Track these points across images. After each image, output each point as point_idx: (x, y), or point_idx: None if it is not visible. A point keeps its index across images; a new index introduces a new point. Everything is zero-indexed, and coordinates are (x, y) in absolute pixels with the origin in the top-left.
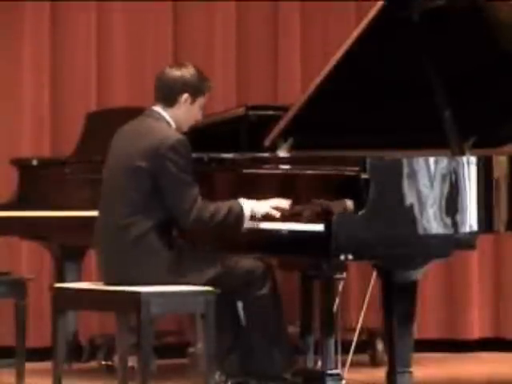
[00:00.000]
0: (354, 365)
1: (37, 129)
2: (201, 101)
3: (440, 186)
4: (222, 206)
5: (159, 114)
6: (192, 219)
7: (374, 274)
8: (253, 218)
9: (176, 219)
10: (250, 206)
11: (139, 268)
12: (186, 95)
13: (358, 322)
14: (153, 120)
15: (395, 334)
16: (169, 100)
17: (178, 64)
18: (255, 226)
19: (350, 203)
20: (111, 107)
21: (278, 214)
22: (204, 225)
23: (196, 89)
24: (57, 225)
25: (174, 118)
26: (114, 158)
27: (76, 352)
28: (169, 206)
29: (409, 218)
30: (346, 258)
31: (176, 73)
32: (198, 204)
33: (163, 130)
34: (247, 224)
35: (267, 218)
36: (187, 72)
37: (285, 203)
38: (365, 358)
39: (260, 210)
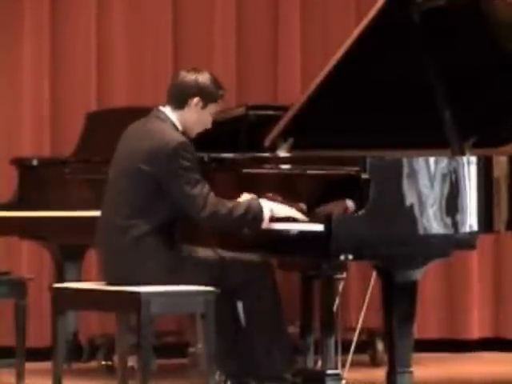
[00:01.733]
0: (354, 365)
1: (37, 129)
2: (212, 107)
3: (440, 186)
4: (241, 204)
5: (166, 115)
6: (207, 215)
7: (374, 273)
8: (272, 218)
9: (191, 219)
10: (269, 206)
11: (139, 269)
12: (196, 99)
13: (358, 322)
14: (158, 121)
15: (395, 333)
16: (179, 102)
17: (194, 68)
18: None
19: (350, 203)
20: (111, 107)
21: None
22: (221, 220)
23: (208, 94)
24: (57, 225)
25: (181, 121)
26: (119, 159)
27: (76, 352)
28: (181, 207)
29: (409, 217)
30: (346, 258)
31: (190, 76)
32: (211, 199)
33: (166, 133)
34: (266, 224)
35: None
36: (202, 77)
37: (302, 218)
38: (365, 357)
39: (280, 211)
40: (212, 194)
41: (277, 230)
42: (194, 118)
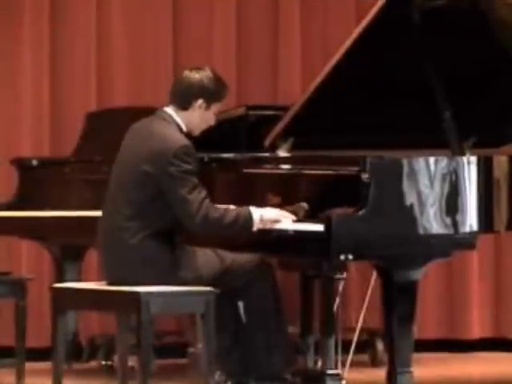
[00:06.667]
0: (354, 365)
1: (37, 129)
2: (216, 106)
3: (440, 186)
4: (231, 211)
5: (170, 116)
6: (199, 221)
7: (374, 273)
8: (262, 223)
9: (184, 223)
10: (259, 212)
11: (139, 270)
12: (200, 101)
13: (358, 322)
14: (162, 122)
15: (395, 333)
16: (183, 103)
17: (198, 68)
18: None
19: (304, 205)
20: (111, 107)
21: (285, 221)
22: (213, 226)
23: (212, 95)
24: (57, 225)
25: (185, 122)
26: (122, 158)
27: (76, 352)
28: (175, 211)
29: (409, 217)
30: (346, 258)
31: (195, 76)
32: (205, 206)
33: (170, 135)
34: (256, 228)
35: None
36: (206, 77)
37: (291, 217)
38: (365, 358)
39: (269, 216)
40: (207, 201)
41: (277, 229)
42: (198, 118)
